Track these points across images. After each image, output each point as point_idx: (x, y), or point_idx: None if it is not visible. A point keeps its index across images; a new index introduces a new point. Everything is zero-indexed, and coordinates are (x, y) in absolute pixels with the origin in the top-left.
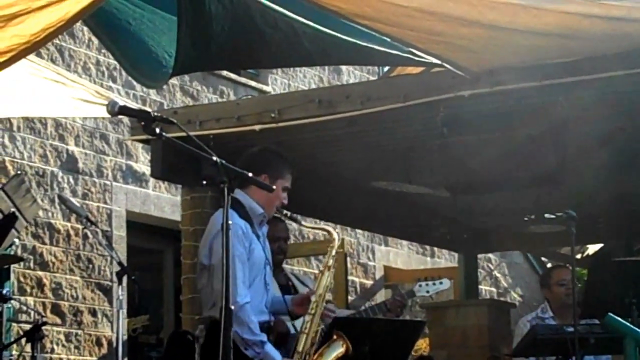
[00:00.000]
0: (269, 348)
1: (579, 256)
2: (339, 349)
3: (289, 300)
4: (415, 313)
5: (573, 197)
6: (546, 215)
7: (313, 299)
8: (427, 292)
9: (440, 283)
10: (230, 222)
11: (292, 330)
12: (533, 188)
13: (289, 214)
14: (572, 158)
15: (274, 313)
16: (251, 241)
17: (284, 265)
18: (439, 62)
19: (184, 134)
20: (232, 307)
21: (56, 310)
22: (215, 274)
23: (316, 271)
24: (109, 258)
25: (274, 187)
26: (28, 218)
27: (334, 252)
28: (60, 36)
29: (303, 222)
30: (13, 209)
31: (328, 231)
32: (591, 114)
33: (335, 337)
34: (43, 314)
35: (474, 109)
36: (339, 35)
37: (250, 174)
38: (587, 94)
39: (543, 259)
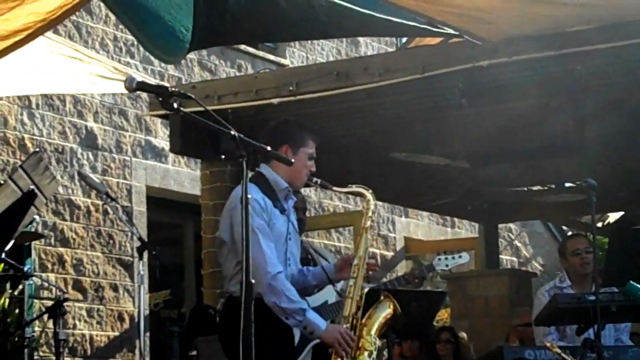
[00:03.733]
0: (311, 315)
1: (599, 224)
2: (387, 310)
3: (328, 268)
4: (436, 284)
5: (593, 166)
6: (566, 184)
7: (354, 262)
8: (447, 265)
9: (460, 257)
10: (249, 196)
11: (321, 301)
12: (553, 157)
13: (319, 181)
14: (591, 127)
15: (317, 285)
16: (271, 216)
17: (303, 238)
18: (457, 33)
19: (202, 108)
20: (253, 281)
21: (77, 286)
22: (236, 249)
23: (336, 244)
24: (129, 233)
25: (296, 158)
26: (47, 195)
27: (370, 213)
28: (77, 13)
29: (334, 188)
30: (32, 187)
31: (361, 193)
32: (610, 82)
33: (382, 297)
34: (64, 290)
35: (492, 79)
36: (354, 7)
37: (269, 148)
38: (605, 62)
39: (564, 227)
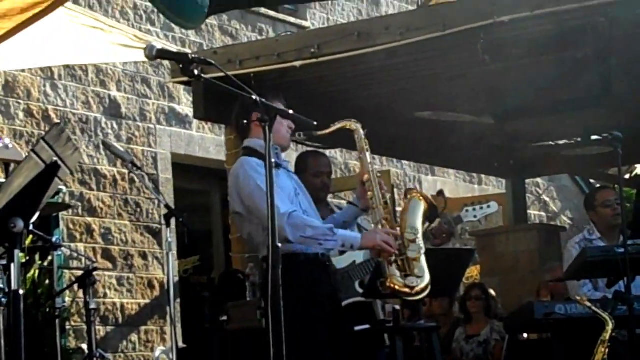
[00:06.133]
0: (342, 232)
1: (627, 176)
2: (420, 204)
3: (356, 201)
4: (465, 241)
5: (619, 118)
6: (592, 137)
7: (365, 178)
8: (475, 216)
9: (488, 207)
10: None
11: (349, 262)
12: (578, 111)
13: (301, 134)
14: (616, 78)
15: (346, 221)
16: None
17: (330, 200)
18: None
19: (223, 74)
20: (279, 245)
21: (107, 255)
22: (252, 214)
23: None
24: (156, 201)
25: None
26: (70, 166)
27: (362, 136)
28: None
29: (318, 133)
30: (55, 158)
31: (345, 125)
32: (634, 33)
33: (412, 194)
34: (94, 260)
35: (514, 35)
36: None
37: (291, 111)
38: (628, 13)
39: (591, 180)
